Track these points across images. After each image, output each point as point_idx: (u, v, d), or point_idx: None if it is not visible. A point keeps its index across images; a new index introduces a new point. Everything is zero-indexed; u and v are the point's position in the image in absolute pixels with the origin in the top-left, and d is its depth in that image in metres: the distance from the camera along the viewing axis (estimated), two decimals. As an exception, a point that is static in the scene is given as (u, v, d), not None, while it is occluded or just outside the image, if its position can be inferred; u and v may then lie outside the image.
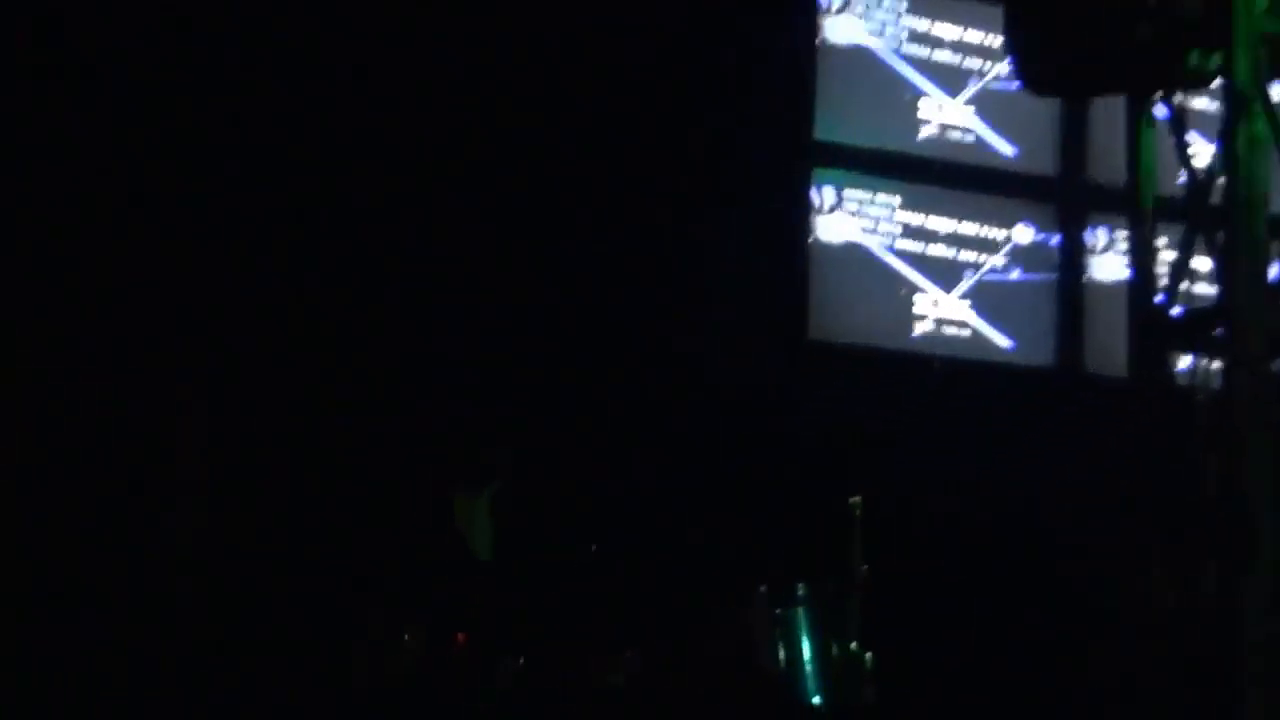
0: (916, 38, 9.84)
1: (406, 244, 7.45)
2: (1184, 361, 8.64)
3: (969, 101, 9.90)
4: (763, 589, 8.04)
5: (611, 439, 8.53)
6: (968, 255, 9.88)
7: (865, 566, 8.03)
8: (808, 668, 7.94)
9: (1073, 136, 9.98)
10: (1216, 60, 7.89)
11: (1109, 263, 10.03)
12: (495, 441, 8.17)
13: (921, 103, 9.85)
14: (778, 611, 8.00)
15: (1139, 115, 8.40)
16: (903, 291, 9.76)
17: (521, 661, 7.72)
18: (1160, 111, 8.51)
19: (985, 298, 9.85)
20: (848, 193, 9.66)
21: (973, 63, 9.91)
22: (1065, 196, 10.05)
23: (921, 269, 9.80)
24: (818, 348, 9.34)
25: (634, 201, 8.61)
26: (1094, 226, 10.06)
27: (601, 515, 8.14)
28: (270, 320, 7.35)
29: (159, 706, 7.28)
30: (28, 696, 6.69)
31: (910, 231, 9.80)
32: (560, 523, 8.05)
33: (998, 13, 8.35)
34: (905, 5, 9.82)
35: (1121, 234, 9.78)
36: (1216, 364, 7.99)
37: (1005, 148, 9.96)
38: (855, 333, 9.57)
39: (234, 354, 7.32)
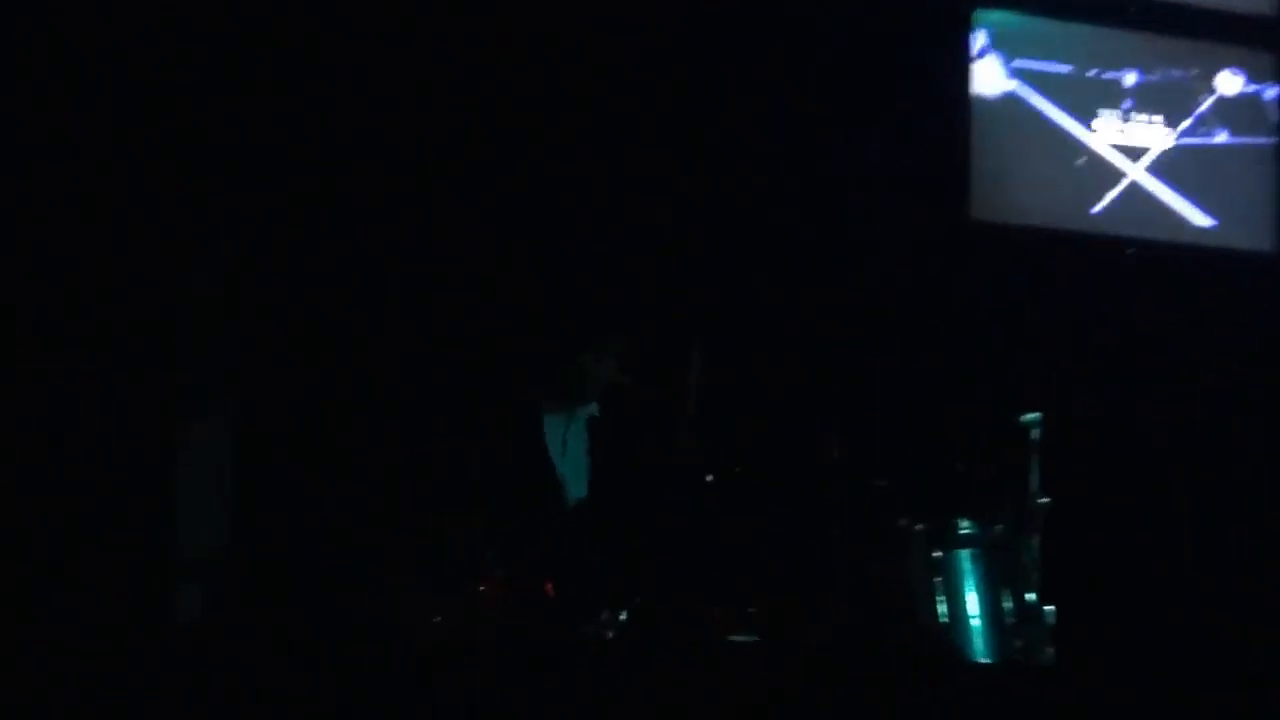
0: None
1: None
2: None
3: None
4: (919, 527, 7.26)
5: (738, 341, 7.69)
6: (1159, 113, 8.72)
7: (1045, 499, 7.25)
8: (974, 623, 7.19)
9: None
10: None
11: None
12: (598, 345, 7.31)
13: (1101, -76, 8.75)
14: (938, 554, 7.23)
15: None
16: (1080, 160, 8.63)
17: (623, 617, 6.93)
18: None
19: (1181, 165, 8.71)
20: (1013, 37, 8.57)
21: None
22: (1284, 39, 8.99)
23: (1103, 132, 8.65)
24: (982, 229, 8.30)
25: (776, 67, 7.98)
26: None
27: (724, 437, 7.24)
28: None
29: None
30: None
31: (1090, 85, 8.65)
32: (674, 447, 7.18)
33: None
34: None
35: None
36: None
37: (1204, -21, 8.87)
38: (1025, 211, 8.47)
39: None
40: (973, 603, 7.20)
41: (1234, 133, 8.77)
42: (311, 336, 7.37)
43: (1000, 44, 8.59)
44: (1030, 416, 7.29)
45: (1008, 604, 7.21)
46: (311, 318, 7.38)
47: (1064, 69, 8.68)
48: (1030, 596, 7.19)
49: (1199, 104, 8.76)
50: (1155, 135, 8.72)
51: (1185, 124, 8.74)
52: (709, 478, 7.21)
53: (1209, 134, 8.76)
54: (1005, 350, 8.03)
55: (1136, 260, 8.40)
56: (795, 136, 8.05)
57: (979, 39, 8.53)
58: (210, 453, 7.31)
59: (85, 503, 7.14)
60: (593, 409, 7.37)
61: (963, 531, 7.27)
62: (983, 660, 7.17)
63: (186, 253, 7.31)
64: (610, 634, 6.91)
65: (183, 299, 7.31)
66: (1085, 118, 8.69)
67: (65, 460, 7.13)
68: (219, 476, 7.32)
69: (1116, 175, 8.68)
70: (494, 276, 7.58)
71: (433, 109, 7.48)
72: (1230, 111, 8.80)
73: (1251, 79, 8.83)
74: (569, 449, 7.30)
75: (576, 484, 7.31)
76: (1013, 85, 8.61)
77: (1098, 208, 8.63)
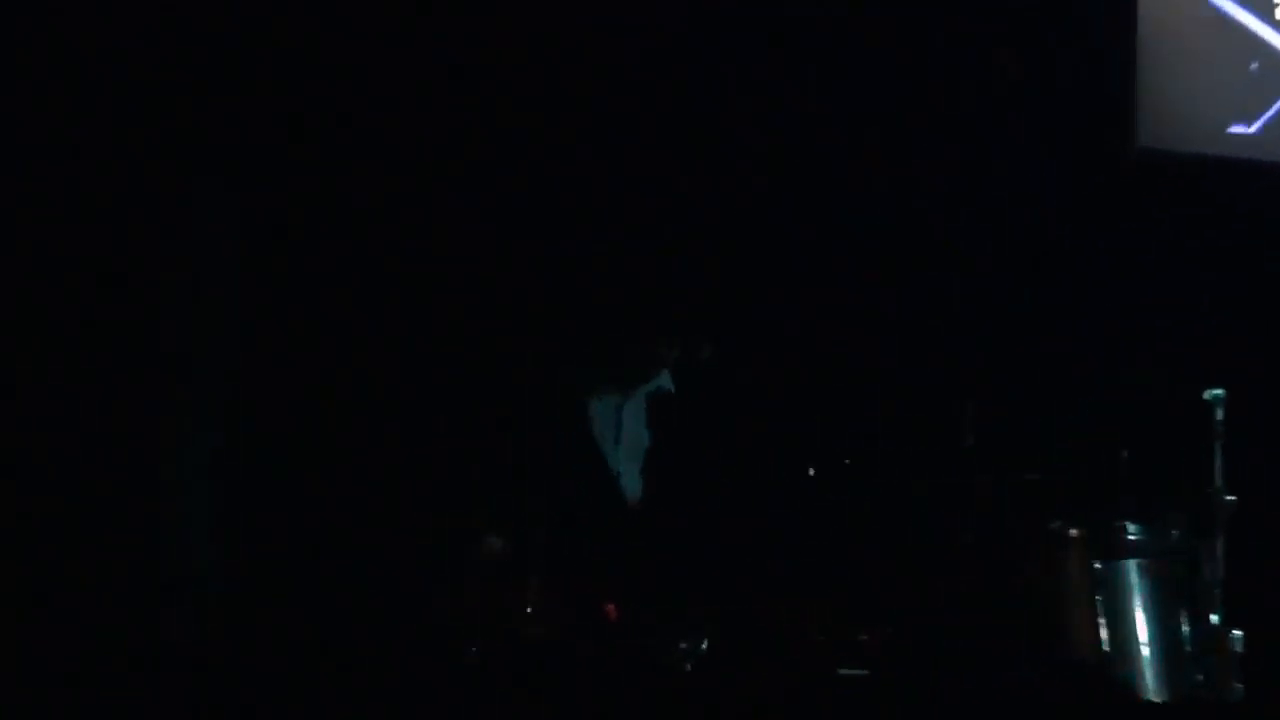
0: None
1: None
2: None
3: None
4: (1074, 532, 6.26)
5: (841, 305, 6.91)
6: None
7: (1231, 496, 6.33)
8: (1144, 651, 6.24)
9: None
10: None
11: None
12: (662, 313, 6.46)
13: None
14: (1098, 566, 6.26)
15: None
16: (1253, 64, 7.61)
17: (705, 644, 6.01)
18: None
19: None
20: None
21: None
22: None
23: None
24: (1150, 158, 7.34)
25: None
26: None
27: (822, 420, 6.34)
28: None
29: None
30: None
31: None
32: (760, 434, 6.28)
33: None
34: None
35: None
36: None
37: None
38: (1194, 133, 7.45)
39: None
40: (1142, 626, 6.26)
41: None
42: (309, 331, 7.00)
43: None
44: (1213, 393, 6.34)
45: (1186, 627, 6.30)
46: (309, 314, 7.06)
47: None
48: (1214, 618, 6.30)
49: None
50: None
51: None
52: (810, 471, 6.26)
53: None
54: (1181, 313, 7.15)
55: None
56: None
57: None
58: (198, 455, 6.92)
59: (59, 510, 6.85)
60: (658, 384, 6.48)
61: (1129, 537, 6.30)
62: (1155, 698, 6.26)
63: (177, 246, 7.19)
64: (689, 666, 6.04)
65: (169, 296, 7.15)
66: (1259, 7, 7.66)
67: (39, 465, 6.90)
68: (208, 480, 6.87)
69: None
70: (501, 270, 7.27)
71: (433, 109, 7.38)
72: None
73: None
74: (624, 433, 6.42)
75: (634, 475, 6.43)
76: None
77: (1268, 116, 7.58)
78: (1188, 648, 6.32)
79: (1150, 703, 6.29)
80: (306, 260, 7.18)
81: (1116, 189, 7.38)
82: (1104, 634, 6.25)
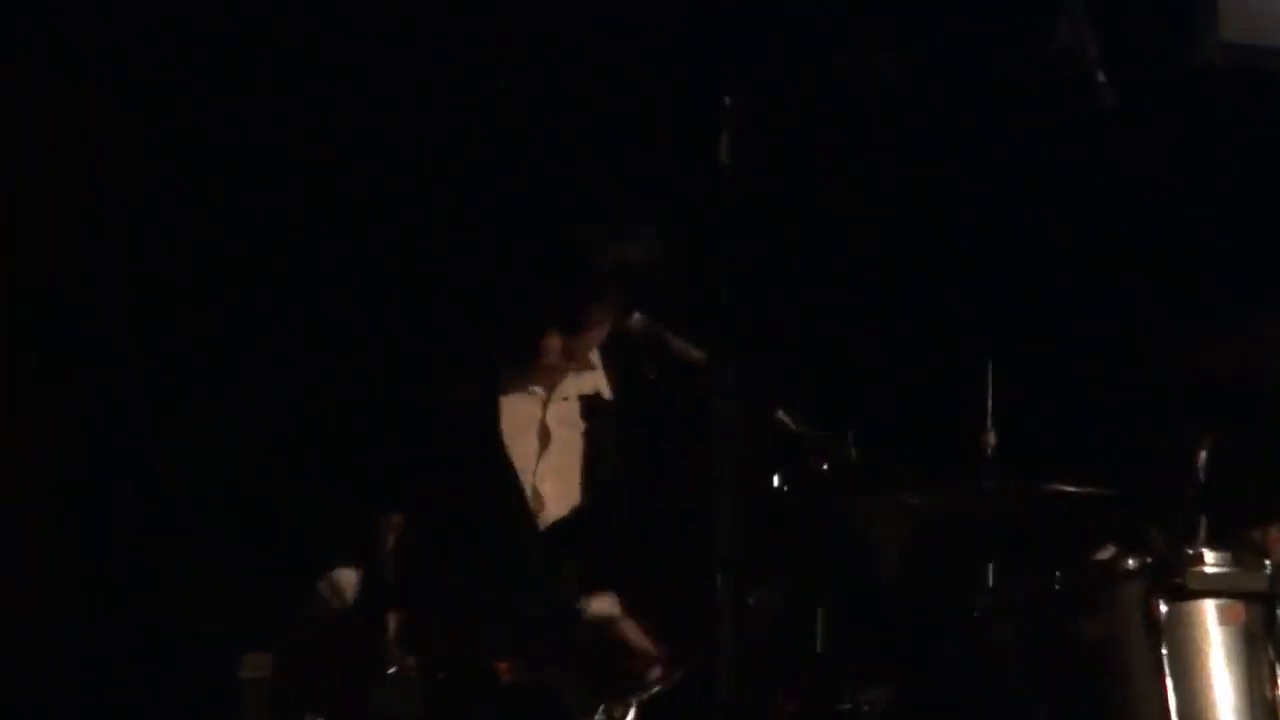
0: None
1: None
2: None
3: None
4: (1132, 563, 5.06)
5: (864, 251, 5.96)
6: None
7: None
8: (1225, 716, 5.01)
9: None
10: None
11: None
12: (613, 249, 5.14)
13: None
14: (1164, 608, 5.02)
15: None
16: None
17: (631, 715, 4.82)
18: None
19: None
20: None
21: None
22: None
23: None
24: (1236, 54, 6.16)
25: None
26: None
27: (803, 425, 5.03)
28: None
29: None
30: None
31: None
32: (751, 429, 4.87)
33: None
34: None
35: None
36: None
37: None
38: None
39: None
40: (1223, 688, 5.09)
41: None
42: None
43: None
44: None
45: (1280, 685, 5.29)
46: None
47: None
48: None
49: None
50: None
51: None
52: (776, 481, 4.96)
53: None
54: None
55: None
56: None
57: None
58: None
59: None
60: (593, 384, 5.20)
61: (1206, 569, 5.12)
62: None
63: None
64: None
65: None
66: None
67: None
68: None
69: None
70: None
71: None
72: None
73: None
74: (554, 440, 5.17)
75: (562, 495, 5.16)
76: None
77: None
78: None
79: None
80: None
81: (1199, 94, 6.21)
82: (1171, 699, 5.05)
